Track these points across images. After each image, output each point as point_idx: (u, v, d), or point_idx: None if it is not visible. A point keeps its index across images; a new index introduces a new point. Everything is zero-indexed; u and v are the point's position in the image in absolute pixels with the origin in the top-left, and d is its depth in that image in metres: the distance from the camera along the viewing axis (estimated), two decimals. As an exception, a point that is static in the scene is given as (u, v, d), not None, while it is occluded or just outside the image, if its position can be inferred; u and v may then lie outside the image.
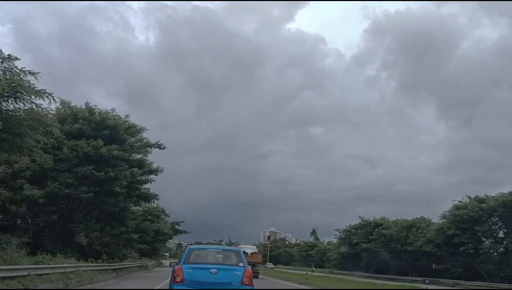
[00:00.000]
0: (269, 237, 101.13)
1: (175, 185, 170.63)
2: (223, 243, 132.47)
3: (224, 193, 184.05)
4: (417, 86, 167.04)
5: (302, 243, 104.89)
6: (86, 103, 24.33)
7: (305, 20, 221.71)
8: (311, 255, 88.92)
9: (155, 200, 30.58)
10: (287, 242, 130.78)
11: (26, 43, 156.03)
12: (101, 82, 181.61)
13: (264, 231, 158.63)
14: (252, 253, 35.46)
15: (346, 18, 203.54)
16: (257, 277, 31.92)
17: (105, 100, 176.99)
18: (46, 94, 12.27)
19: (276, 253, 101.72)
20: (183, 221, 55.65)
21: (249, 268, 9.84)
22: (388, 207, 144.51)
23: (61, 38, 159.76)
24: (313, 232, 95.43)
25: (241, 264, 9.83)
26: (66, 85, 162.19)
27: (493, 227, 44.39)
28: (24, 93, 11.79)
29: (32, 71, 12.09)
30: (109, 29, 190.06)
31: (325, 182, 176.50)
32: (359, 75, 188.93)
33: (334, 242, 78.10)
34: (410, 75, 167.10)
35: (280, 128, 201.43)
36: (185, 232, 58.47)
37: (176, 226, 54.97)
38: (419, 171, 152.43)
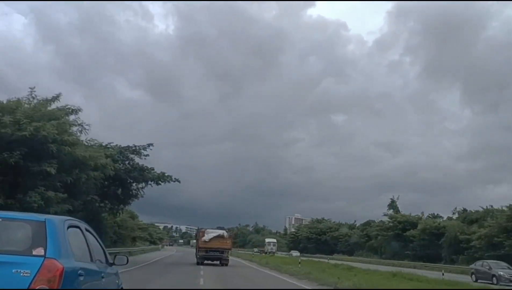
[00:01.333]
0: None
1: (200, 175, 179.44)
2: (250, 228, 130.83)
3: (248, 182, 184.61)
4: (442, 70, 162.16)
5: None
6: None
7: (326, 6, 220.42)
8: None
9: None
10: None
11: (47, 34, 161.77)
12: (122, 72, 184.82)
13: (289, 217, 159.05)
14: (215, 237, 29.96)
15: (368, 2, 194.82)
16: (226, 264, 30.20)
17: (127, 90, 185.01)
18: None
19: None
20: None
21: (57, 261, 3.83)
22: (410, 195, 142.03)
23: (81, 27, 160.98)
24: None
25: (38, 250, 3.93)
26: (89, 76, 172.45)
27: None
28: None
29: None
30: (128, 17, 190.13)
31: (347, 171, 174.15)
32: (381, 60, 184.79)
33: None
34: (435, 58, 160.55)
35: (302, 117, 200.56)
36: None
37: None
38: (443, 158, 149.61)
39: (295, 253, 68.87)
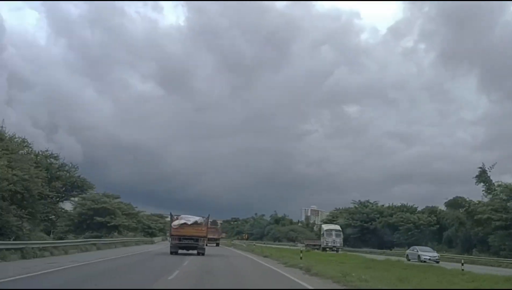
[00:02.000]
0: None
1: (214, 167, 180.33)
2: (268, 218, 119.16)
3: (262, 174, 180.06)
4: (458, 56, 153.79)
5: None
6: None
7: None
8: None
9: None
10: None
11: (59, 27, 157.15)
12: (134, 65, 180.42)
13: (305, 209, 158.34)
14: (189, 224, 27.58)
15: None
16: (203, 254, 28.13)
17: (139, 84, 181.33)
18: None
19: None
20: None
21: None
22: (425, 186, 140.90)
23: (92, 19, 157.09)
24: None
25: None
26: (101, 69, 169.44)
27: None
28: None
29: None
30: (137, 8, 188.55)
31: (361, 162, 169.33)
32: (395, 48, 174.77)
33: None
34: (451, 45, 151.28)
35: (315, 108, 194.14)
36: None
37: None
38: (458, 148, 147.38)
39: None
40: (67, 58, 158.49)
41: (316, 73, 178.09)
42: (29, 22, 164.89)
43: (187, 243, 27.68)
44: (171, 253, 27.52)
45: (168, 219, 34.29)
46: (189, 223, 27.22)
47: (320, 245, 52.70)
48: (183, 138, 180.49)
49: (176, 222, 27.45)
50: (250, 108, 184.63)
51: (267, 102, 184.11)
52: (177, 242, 27.72)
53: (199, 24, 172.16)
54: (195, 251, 28.16)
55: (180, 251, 28.09)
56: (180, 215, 28.47)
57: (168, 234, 39.52)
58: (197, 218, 27.83)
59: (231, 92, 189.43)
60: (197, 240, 27.67)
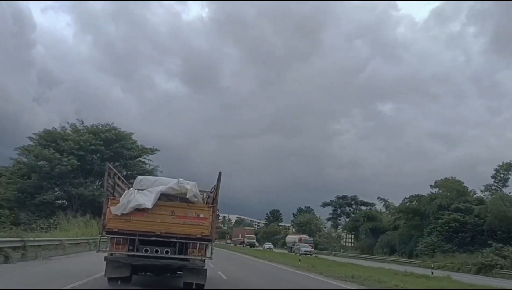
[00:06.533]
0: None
1: (242, 168, 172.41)
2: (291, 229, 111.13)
3: (290, 176, 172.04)
4: None
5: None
6: None
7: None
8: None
9: None
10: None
11: (84, 23, 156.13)
12: (159, 61, 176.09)
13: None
14: (163, 195, 10.29)
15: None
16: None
17: (164, 82, 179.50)
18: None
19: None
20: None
21: None
22: None
23: (115, 12, 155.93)
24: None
25: None
26: (126, 66, 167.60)
27: None
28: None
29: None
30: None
31: (396, 166, 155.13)
32: (439, 33, 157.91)
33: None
34: (505, 27, 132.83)
35: (347, 106, 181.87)
36: None
37: None
38: (509, 151, 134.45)
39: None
40: (94, 56, 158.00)
41: (348, 67, 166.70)
42: (56, 19, 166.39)
43: (154, 260, 10.16)
44: (109, 282, 10.48)
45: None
46: (167, 194, 10.58)
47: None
48: (210, 138, 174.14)
49: (125, 197, 10.29)
50: (278, 107, 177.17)
51: (297, 100, 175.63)
52: (125, 254, 10.11)
53: (224, 14, 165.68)
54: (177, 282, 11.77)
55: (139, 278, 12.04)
56: (136, 180, 11.15)
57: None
58: (181, 184, 10.56)
59: (259, 88, 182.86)
60: (184, 248, 10.32)
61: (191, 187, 10.60)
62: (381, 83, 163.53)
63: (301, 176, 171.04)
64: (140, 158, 55.65)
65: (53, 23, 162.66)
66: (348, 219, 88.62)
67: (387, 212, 77.58)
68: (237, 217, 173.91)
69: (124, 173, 47.62)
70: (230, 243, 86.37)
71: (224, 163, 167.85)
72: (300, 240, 64.56)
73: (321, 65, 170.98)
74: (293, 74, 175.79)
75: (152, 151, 55.62)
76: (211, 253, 10.80)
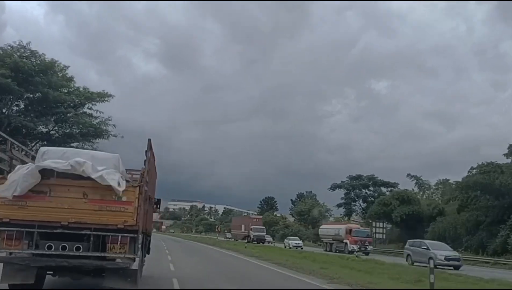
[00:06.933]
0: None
1: (227, 154, 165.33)
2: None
3: (279, 162, 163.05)
4: None
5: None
6: None
7: None
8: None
9: None
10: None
11: (56, 2, 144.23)
12: (136, 41, 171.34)
13: None
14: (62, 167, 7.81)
15: None
16: None
17: (142, 64, 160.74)
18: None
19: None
20: None
21: None
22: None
23: None
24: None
25: None
26: (102, 48, 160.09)
27: None
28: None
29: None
30: None
31: (392, 148, 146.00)
32: (437, 1, 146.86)
33: None
34: None
35: (337, 85, 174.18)
36: None
37: None
38: None
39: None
40: (66, 36, 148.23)
41: (339, 42, 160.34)
42: None
43: (61, 260, 7.58)
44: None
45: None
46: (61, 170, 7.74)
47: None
48: (193, 123, 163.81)
49: (16, 174, 7.59)
50: (265, 87, 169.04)
51: (284, 80, 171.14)
52: (27, 253, 7.68)
53: None
54: None
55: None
56: (38, 152, 9.03)
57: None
58: (76, 163, 7.74)
59: (243, 67, 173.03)
60: (101, 243, 7.81)
61: (87, 167, 7.67)
62: (375, 59, 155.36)
63: (291, 163, 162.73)
64: (83, 108, 37.15)
65: (23, 3, 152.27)
66: (364, 204, 71.62)
67: (421, 193, 61.35)
68: (224, 208, 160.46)
69: (56, 134, 30.89)
70: (230, 238, 68.05)
71: (208, 149, 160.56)
72: (349, 232, 41.57)
73: (309, 41, 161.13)
74: (279, 51, 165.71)
75: (102, 97, 37.01)
76: (142, 249, 8.93)
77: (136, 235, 7.84)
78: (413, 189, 60.48)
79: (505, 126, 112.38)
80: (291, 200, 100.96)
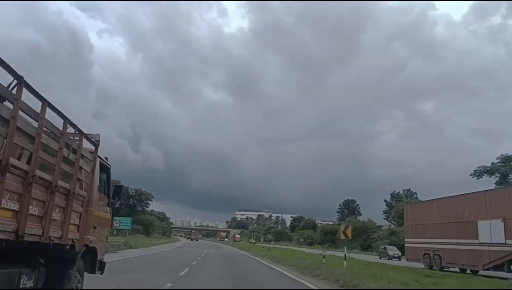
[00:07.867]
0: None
1: (287, 172, 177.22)
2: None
3: (333, 178, 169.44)
4: None
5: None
6: None
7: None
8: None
9: None
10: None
11: (135, 42, 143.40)
12: (205, 73, 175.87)
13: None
14: None
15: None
16: None
17: (210, 93, 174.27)
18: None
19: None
20: None
21: None
22: None
23: (161, 28, 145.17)
24: None
25: None
26: (176, 81, 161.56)
27: None
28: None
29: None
30: (202, 13, 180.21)
31: (440, 164, 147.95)
32: (478, 28, 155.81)
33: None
34: None
35: (387, 107, 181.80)
36: None
37: None
38: None
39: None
40: (145, 72, 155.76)
41: (387, 68, 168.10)
42: (110, 40, 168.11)
43: None
44: None
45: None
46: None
47: None
48: (255, 144, 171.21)
49: None
50: (320, 111, 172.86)
51: (337, 104, 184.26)
52: None
53: (264, 24, 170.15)
54: None
55: None
56: None
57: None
58: None
59: (300, 93, 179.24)
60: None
61: None
62: (421, 82, 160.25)
63: (344, 177, 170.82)
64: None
65: (107, 44, 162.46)
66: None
67: None
68: (291, 217, 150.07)
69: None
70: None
71: (269, 167, 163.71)
72: None
73: (360, 68, 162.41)
74: (332, 78, 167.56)
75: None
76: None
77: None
78: None
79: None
80: (385, 200, 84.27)
